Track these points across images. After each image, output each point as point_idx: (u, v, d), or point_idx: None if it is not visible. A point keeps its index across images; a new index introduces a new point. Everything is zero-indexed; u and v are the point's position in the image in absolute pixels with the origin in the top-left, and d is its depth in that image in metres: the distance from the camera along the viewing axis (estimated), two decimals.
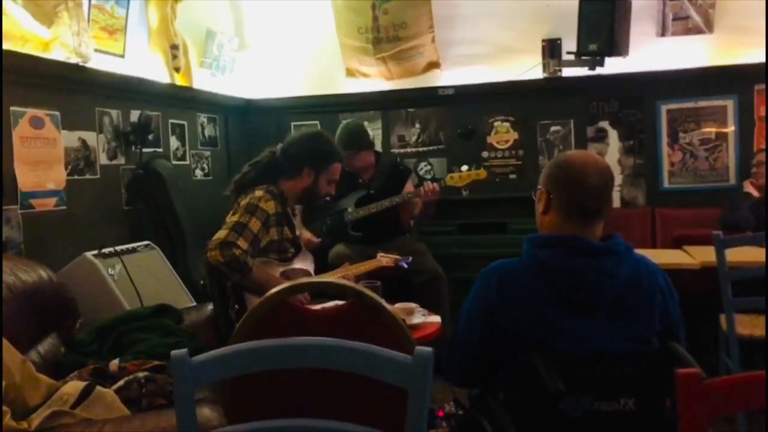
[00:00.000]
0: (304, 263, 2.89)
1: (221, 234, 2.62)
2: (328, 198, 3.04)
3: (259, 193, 2.74)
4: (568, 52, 4.58)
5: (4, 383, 1.88)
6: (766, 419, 1.21)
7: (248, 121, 5.21)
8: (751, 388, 1.12)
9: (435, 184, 3.83)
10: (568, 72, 4.69)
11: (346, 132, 4.04)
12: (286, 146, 2.92)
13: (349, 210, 3.98)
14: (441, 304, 3.74)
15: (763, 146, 4.31)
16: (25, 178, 3.11)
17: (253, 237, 2.64)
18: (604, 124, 4.79)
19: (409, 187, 4.12)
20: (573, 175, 1.76)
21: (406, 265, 3.13)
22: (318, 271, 3.06)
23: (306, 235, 3.74)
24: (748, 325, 3.01)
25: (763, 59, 4.31)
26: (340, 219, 3.99)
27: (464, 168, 3.97)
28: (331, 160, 2.93)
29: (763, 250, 3.12)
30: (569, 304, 1.69)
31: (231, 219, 2.68)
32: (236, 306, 2.71)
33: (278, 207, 2.76)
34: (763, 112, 4.48)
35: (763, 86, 4.41)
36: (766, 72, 4.17)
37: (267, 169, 2.87)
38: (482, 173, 3.96)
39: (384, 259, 3.11)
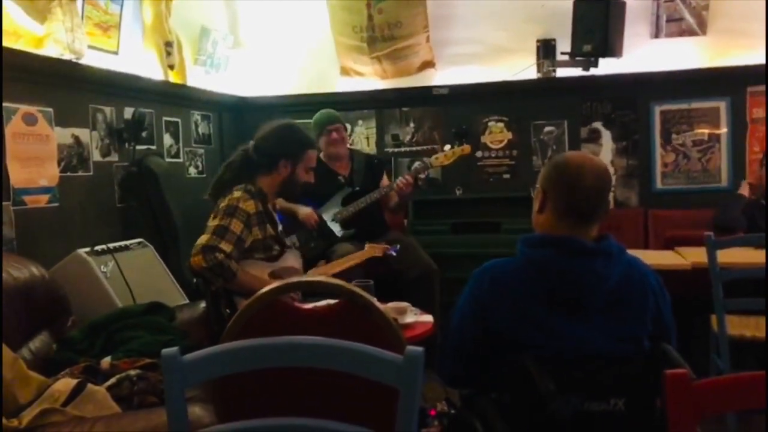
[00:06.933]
0: (292, 261, 2.88)
1: (203, 239, 2.62)
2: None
3: (237, 193, 2.71)
4: (563, 53, 4.59)
5: None
6: (766, 419, 1.22)
7: (242, 119, 5.19)
8: (740, 388, 1.13)
9: (408, 177, 3.83)
10: (562, 72, 4.70)
11: (325, 113, 4.09)
12: (258, 142, 2.89)
13: (336, 210, 3.95)
14: (432, 299, 3.74)
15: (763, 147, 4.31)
16: (18, 175, 3.10)
17: (236, 239, 2.63)
18: (598, 124, 4.80)
19: (385, 180, 4.16)
20: (569, 176, 1.76)
21: (394, 253, 3.15)
22: (306, 267, 3.05)
23: (304, 210, 3.79)
24: (738, 326, 3.02)
25: (755, 61, 4.33)
26: (327, 231, 3.91)
27: (447, 147, 3.98)
28: (306, 147, 2.90)
29: (754, 252, 3.14)
30: (561, 305, 1.69)
31: (212, 223, 2.67)
32: (228, 305, 2.71)
33: (258, 206, 2.74)
34: (755, 114, 4.50)
35: (755, 88, 4.43)
36: (766, 74, 4.17)
37: (242, 168, 2.85)
38: (467, 148, 3.99)
39: (372, 249, 3.12)
